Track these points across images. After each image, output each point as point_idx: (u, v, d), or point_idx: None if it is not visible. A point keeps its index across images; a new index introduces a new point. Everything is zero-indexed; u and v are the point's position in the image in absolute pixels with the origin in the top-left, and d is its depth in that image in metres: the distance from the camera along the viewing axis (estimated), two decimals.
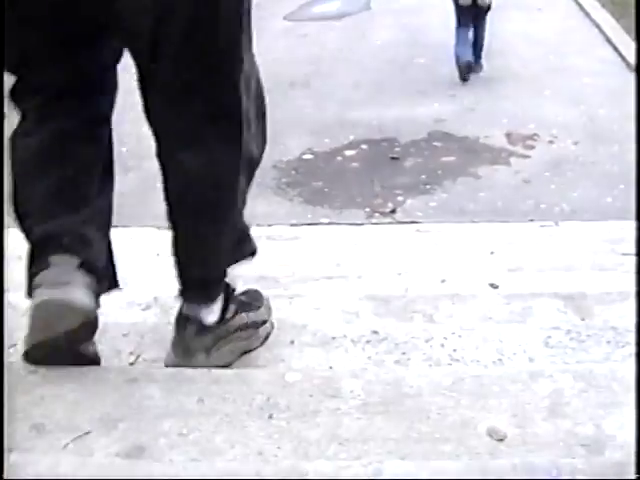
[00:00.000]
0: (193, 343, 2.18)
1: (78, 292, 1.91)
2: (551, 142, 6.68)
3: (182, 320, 2.23)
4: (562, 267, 3.55)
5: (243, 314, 2.34)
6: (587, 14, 11.05)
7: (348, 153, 6.56)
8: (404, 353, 2.35)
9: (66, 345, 2.00)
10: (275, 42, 10.11)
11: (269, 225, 5.42)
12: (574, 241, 4.59)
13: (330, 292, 3.04)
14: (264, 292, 2.63)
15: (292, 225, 5.46)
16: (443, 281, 3.16)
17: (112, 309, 2.92)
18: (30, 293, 1.93)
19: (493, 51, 9.36)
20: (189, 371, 2.15)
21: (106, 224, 2.19)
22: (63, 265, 1.93)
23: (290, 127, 7.13)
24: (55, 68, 1.90)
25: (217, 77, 1.91)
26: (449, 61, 8.86)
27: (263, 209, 5.74)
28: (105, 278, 2.15)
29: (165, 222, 5.06)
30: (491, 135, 6.82)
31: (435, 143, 6.71)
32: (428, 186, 5.95)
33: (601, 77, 8.37)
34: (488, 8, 8.60)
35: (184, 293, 2.28)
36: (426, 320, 2.62)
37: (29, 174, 2.00)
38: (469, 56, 8.48)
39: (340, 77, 8.34)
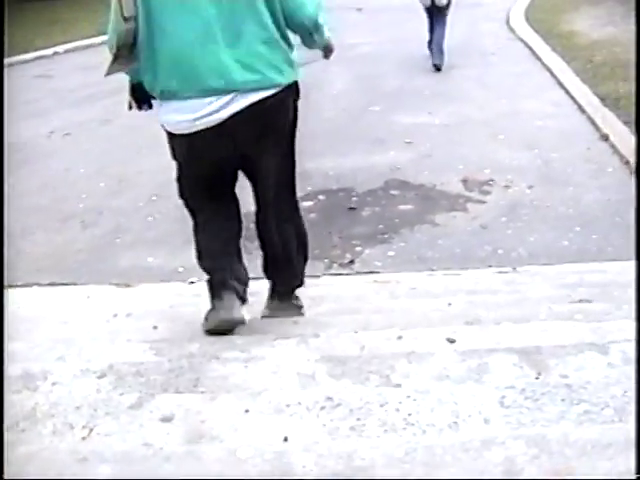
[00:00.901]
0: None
1: (236, 312, 3.48)
2: (507, 187, 6.72)
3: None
4: (519, 317, 3.56)
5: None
6: (539, 58, 11.26)
7: (306, 204, 6.53)
8: (359, 419, 2.34)
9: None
10: None
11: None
12: (531, 289, 4.61)
13: (287, 354, 3.03)
14: None
15: (251, 279, 5.45)
16: (400, 337, 3.16)
17: (67, 377, 2.90)
18: (213, 307, 3.55)
19: (448, 97, 9.48)
20: (141, 449, 2.12)
21: (244, 268, 3.78)
22: (228, 299, 3.50)
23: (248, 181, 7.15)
24: (213, 194, 3.65)
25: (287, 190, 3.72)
26: (405, 108, 8.95)
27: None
28: (245, 293, 3.63)
29: (122, 279, 5.05)
30: (447, 182, 6.85)
31: (392, 192, 6.72)
32: (386, 235, 5.95)
33: (554, 120, 8.48)
34: (446, 7, 10.33)
35: (280, 296, 3.92)
36: (382, 381, 2.62)
37: (210, 247, 3.68)
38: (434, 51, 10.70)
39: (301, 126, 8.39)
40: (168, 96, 3.16)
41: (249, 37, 3.03)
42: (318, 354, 2.86)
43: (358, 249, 5.77)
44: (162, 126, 3.31)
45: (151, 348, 3.19)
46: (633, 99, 8.62)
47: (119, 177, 7.43)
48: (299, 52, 3.34)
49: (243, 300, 3.56)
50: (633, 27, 12.38)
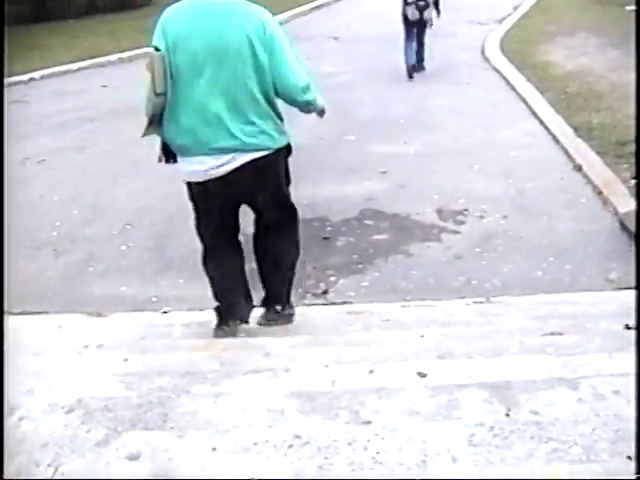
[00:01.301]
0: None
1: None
2: (481, 217, 6.74)
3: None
4: (491, 351, 3.56)
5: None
6: (513, 88, 11.32)
7: None
8: (327, 458, 2.32)
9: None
10: None
11: (201, 309, 5.40)
12: (504, 320, 4.62)
13: (257, 389, 3.01)
14: None
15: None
16: (371, 372, 3.15)
17: (35, 412, 2.87)
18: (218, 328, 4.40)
19: (423, 126, 9.51)
20: None
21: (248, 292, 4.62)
22: (233, 326, 4.39)
23: None
24: (223, 231, 4.41)
25: (284, 208, 4.38)
26: (380, 137, 8.98)
27: (196, 292, 5.67)
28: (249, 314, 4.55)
29: (94, 307, 5.02)
30: (422, 211, 6.86)
31: (366, 221, 6.73)
32: (360, 265, 5.95)
33: (528, 150, 8.52)
34: (427, 23, 12.13)
35: (273, 302, 4.61)
36: (351, 418, 2.60)
37: (221, 277, 4.43)
38: (413, 60, 12.34)
39: None
40: (186, 153, 4.03)
41: (248, 112, 3.90)
42: (288, 389, 2.85)
43: (332, 279, 5.77)
44: (185, 178, 4.24)
45: (121, 382, 3.17)
46: (606, 130, 8.71)
47: (93, 205, 7.40)
48: None
49: (246, 321, 4.51)
50: (606, 58, 12.57)
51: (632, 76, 11.12)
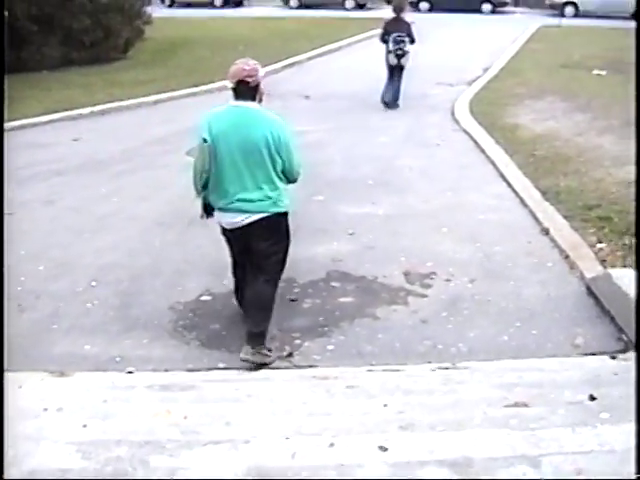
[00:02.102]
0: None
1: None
2: (448, 280, 6.75)
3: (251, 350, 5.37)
4: (453, 422, 3.54)
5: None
6: (482, 150, 11.38)
7: None
8: None
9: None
10: (176, 178, 10.12)
11: (165, 370, 5.35)
12: (468, 388, 4.60)
13: (214, 463, 2.96)
14: None
15: (188, 370, 5.39)
16: (332, 445, 3.11)
17: None
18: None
19: (392, 187, 9.55)
20: None
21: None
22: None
23: (189, 267, 7.13)
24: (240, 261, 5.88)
25: (273, 264, 5.69)
26: (349, 198, 9.00)
27: (159, 353, 5.66)
28: None
29: (57, 366, 4.94)
30: (389, 274, 6.86)
31: (333, 283, 6.72)
32: (326, 328, 5.93)
33: (496, 213, 8.57)
34: (404, 67, 14.61)
35: (252, 341, 5.38)
36: None
37: (239, 277, 5.97)
38: (388, 98, 14.84)
39: None
40: (221, 210, 5.58)
41: (263, 186, 5.43)
42: (246, 465, 2.80)
43: (297, 342, 5.74)
44: (219, 224, 5.80)
45: (78, 451, 3.12)
46: (573, 193, 8.80)
47: (59, 260, 7.34)
48: None
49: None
50: (573, 122, 12.74)
51: (598, 140, 11.33)
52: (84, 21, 19.77)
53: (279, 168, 5.46)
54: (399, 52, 14.42)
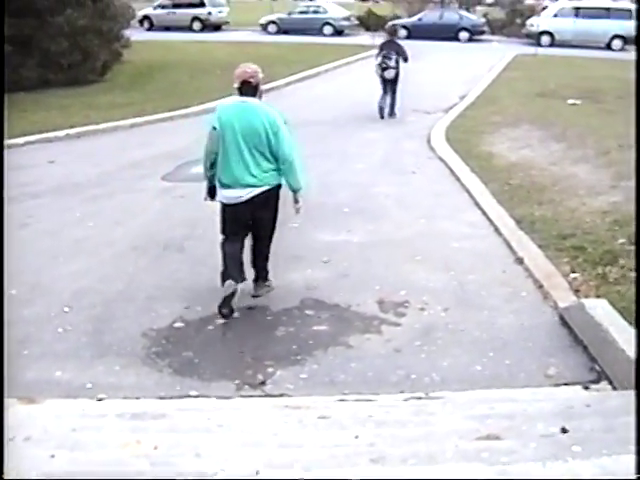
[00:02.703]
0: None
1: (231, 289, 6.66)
2: (422, 309, 6.75)
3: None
4: (425, 455, 3.53)
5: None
6: (458, 178, 11.41)
7: (220, 322, 6.51)
8: None
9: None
10: (151, 202, 10.15)
11: (137, 398, 5.31)
12: (440, 420, 4.60)
13: None
14: None
15: (160, 398, 5.36)
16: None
17: None
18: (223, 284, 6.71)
19: (368, 215, 9.56)
20: None
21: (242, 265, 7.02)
22: (228, 286, 6.63)
23: (162, 293, 7.10)
24: (240, 232, 6.94)
25: (271, 229, 7.12)
26: (324, 225, 9.01)
27: (131, 380, 5.63)
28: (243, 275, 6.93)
29: (28, 392, 4.88)
30: (363, 302, 6.86)
31: (307, 311, 6.70)
32: (299, 356, 5.91)
33: (470, 241, 8.59)
34: (396, 80, 16.87)
35: (259, 280, 7.15)
36: None
37: (228, 252, 6.85)
38: (384, 106, 17.00)
39: (215, 241, 8.32)
40: (225, 186, 6.77)
41: (261, 163, 6.68)
42: None
43: (270, 370, 5.72)
44: (220, 201, 6.91)
45: None
46: (548, 223, 8.84)
47: (32, 284, 7.30)
48: None
49: (242, 279, 6.91)
50: (548, 151, 12.82)
51: (573, 170, 11.41)
52: (62, 43, 19.76)
53: (274, 149, 6.67)
54: (383, 65, 16.72)
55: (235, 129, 6.63)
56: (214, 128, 6.71)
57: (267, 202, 6.87)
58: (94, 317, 6.65)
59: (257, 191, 6.71)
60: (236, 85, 6.76)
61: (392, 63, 16.74)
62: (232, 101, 6.86)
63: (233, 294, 6.66)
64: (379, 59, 16.99)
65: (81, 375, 5.67)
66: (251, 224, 6.95)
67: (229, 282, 6.66)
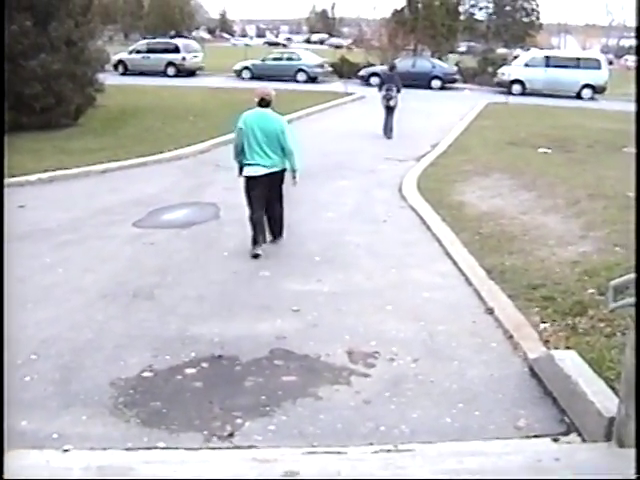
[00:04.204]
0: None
1: (259, 250, 10.01)
2: (392, 360, 6.73)
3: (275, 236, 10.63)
4: None
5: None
6: (429, 227, 11.46)
7: (189, 371, 6.45)
8: None
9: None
10: (122, 249, 10.11)
11: (104, 449, 5.25)
12: (409, 474, 4.57)
13: None
14: None
15: (127, 450, 5.30)
16: None
17: None
18: (253, 247, 10.02)
19: (338, 264, 9.57)
20: None
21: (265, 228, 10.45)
22: (258, 246, 9.98)
23: (131, 342, 7.04)
24: (260, 199, 10.09)
25: (280, 195, 10.45)
26: (295, 274, 9.01)
27: (98, 430, 5.57)
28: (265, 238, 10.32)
29: None
30: (333, 353, 6.82)
31: (276, 362, 6.65)
32: (268, 408, 5.86)
33: (441, 291, 8.61)
34: (395, 106, 21.67)
35: (275, 238, 10.56)
36: None
37: (256, 221, 10.12)
38: (388, 129, 21.76)
39: (185, 289, 8.32)
40: (249, 165, 9.81)
41: (276, 151, 9.77)
42: None
43: (239, 421, 5.67)
44: (245, 176, 9.90)
45: None
46: (518, 273, 8.89)
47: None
48: None
49: (264, 240, 10.04)
50: (518, 200, 12.92)
51: (543, 219, 11.50)
52: (36, 87, 19.72)
53: (281, 143, 9.83)
54: (387, 96, 21.56)
55: (255, 129, 9.77)
56: (240, 128, 9.86)
57: (276, 178, 10.04)
58: (62, 366, 6.58)
59: (269, 171, 9.88)
60: (256, 100, 10.00)
61: (393, 94, 21.62)
62: (254, 110, 9.99)
63: (258, 255, 9.82)
64: (383, 92, 21.82)
65: (47, 425, 5.59)
66: (267, 192, 10.04)
67: (256, 246, 9.93)
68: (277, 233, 10.50)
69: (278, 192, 10.25)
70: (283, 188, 10.24)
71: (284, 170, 10.04)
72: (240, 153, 9.93)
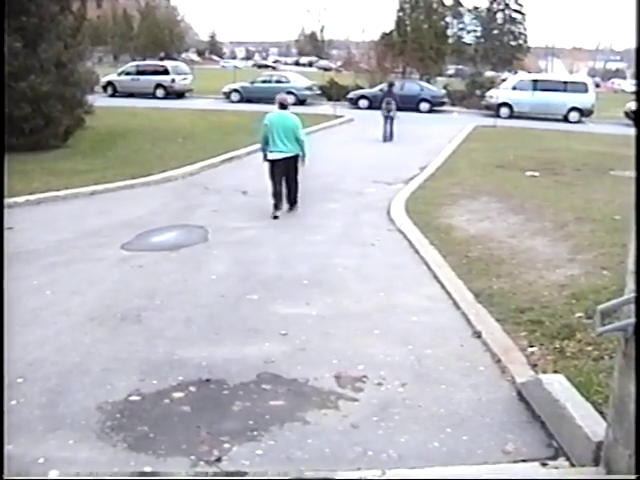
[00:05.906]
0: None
1: (278, 213, 14.21)
2: (379, 384, 6.72)
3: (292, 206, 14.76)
4: None
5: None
6: (417, 251, 11.45)
7: (176, 395, 6.42)
8: None
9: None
10: (110, 272, 10.08)
11: (89, 474, 5.22)
12: None
13: None
14: None
15: (113, 475, 5.27)
16: None
17: None
18: (274, 211, 14.13)
19: (326, 287, 9.56)
20: None
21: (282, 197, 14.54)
22: (277, 210, 14.14)
23: (118, 366, 7.00)
24: (280, 176, 14.21)
25: (296, 174, 14.46)
26: (283, 297, 8.99)
27: (85, 455, 5.53)
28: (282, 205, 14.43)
29: None
30: (320, 377, 6.80)
31: (264, 386, 6.62)
32: (255, 432, 5.83)
33: (428, 315, 8.60)
34: (394, 117, 27.41)
35: (290, 205, 14.62)
36: None
37: (276, 191, 14.20)
38: (387, 134, 27.35)
39: (173, 312, 8.29)
40: (272, 152, 13.90)
41: (292, 141, 13.88)
42: None
43: (226, 446, 5.64)
44: (269, 160, 14.03)
45: None
46: (506, 296, 8.90)
47: None
48: None
49: (278, 207, 14.05)
50: (507, 223, 12.96)
51: (531, 242, 11.53)
52: (25, 108, 19.74)
53: (297, 137, 13.67)
54: (388, 108, 27.09)
55: (277, 125, 13.63)
56: (266, 124, 13.68)
57: (291, 161, 13.85)
58: (48, 389, 6.55)
59: (286, 155, 13.72)
60: (277, 104, 13.97)
61: (392, 107, 27.09)
62: (276, 111, 13.86)
63: (277, 217, 13.71)
64: (383, 105, 27.17)
65: (33, 449, 5.56)
66: (286, 171, 13.82)
67: (277, 210, 13.80)
68: (292, 203, 14.34)
69: (294, 171, 14.01)
70: (298, 169, 14.10)
71: (297, 155, 13.87)
72: (265, 143, 13.78)
